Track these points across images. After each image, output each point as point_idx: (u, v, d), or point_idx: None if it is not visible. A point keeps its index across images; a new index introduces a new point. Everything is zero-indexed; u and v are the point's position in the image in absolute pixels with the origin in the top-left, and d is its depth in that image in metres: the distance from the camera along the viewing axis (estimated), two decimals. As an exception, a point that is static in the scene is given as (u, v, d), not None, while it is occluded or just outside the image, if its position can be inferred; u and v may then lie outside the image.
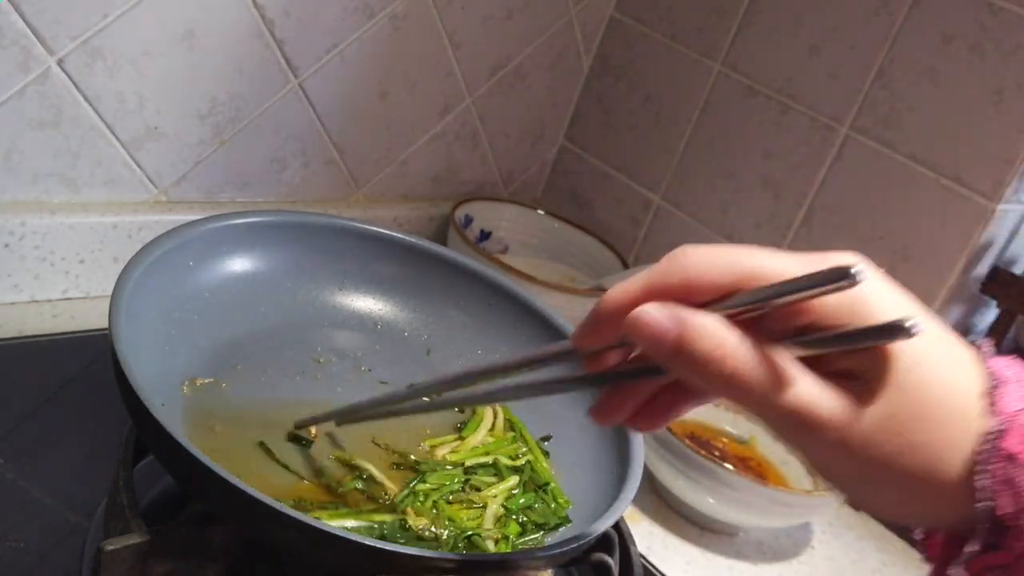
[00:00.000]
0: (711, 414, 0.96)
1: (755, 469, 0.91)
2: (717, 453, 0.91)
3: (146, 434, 0.51)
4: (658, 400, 0.43)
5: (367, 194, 1.06)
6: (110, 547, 0.46)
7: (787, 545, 0.91)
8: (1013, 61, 0.87)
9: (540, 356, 0.46)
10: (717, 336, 0.35)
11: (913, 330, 0.33)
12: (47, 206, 0.82)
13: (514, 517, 0.60)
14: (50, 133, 0.79)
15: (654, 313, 0.36)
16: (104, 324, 0.53)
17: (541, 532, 0.60)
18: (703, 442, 0.93)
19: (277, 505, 0.46)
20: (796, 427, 0.36)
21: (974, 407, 0.36)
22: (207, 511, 0.50)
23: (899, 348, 0.35)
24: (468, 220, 1.12)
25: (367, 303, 0.74)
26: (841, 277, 0.34)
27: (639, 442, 0.63)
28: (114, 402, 0.51)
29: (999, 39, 0.88)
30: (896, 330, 0.34)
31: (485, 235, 1.14)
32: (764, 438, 0.95)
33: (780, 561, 0.89)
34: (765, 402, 0.35)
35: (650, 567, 0.81)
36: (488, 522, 0.59)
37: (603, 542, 0.57)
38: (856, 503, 0.39)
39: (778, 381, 0.35)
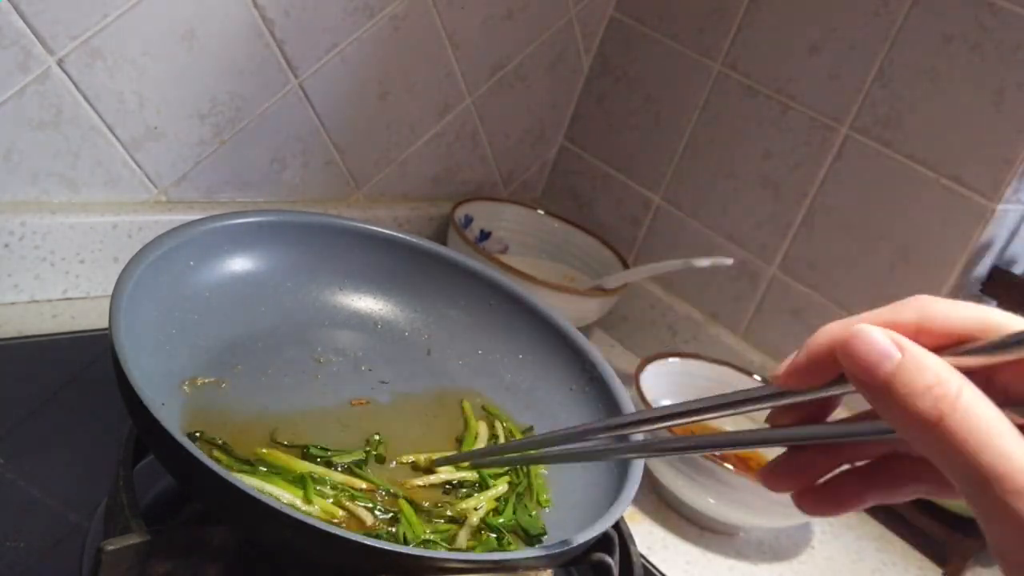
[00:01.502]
0: (711, 414, 0.96)
1: (755, 469, 0.91)
2: (717, 453, 0.91)
3: (146, 434, 0.51)
4: (837, 482, 0.38)
5: (367, 194, 1.06)
6: (110, 547, 0.46)
7: (787, 545, 0.91)
8: (1013, 61, 0.87)
9: (735, 401, 0.39)
10: (940, 373, 0.31)
11: None
12: (47, 206, 0.82)
13: (489, 533, 0.59)
14: (50, 133, 0.79)
15: (877, 334, 0.32)
16: (104, 324, 0.53)
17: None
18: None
19: (277, 505, 0.46)
20: (1005, 494, 0.30)
21: None
22: (207, 511, 0.50)
23: None
24: (468, 220, 1.12)
25: (367, 303, 0.74)
26: None
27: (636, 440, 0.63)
28: (114, 402, 0.51)
29: (999, 39, 0.88)
30: None
31: (485, 235, 1.14)
32: (764, 438, 0.95)
33: (780, 561, 0.89)
34: (972, 459, 0.30)
35: (650, 567, 0.81)
36: (462, 538, 0.57)
37: (603, 542, 0.57)
38: None
39: (995, 437, 0.30)
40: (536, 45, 1.12)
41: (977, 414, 0.31)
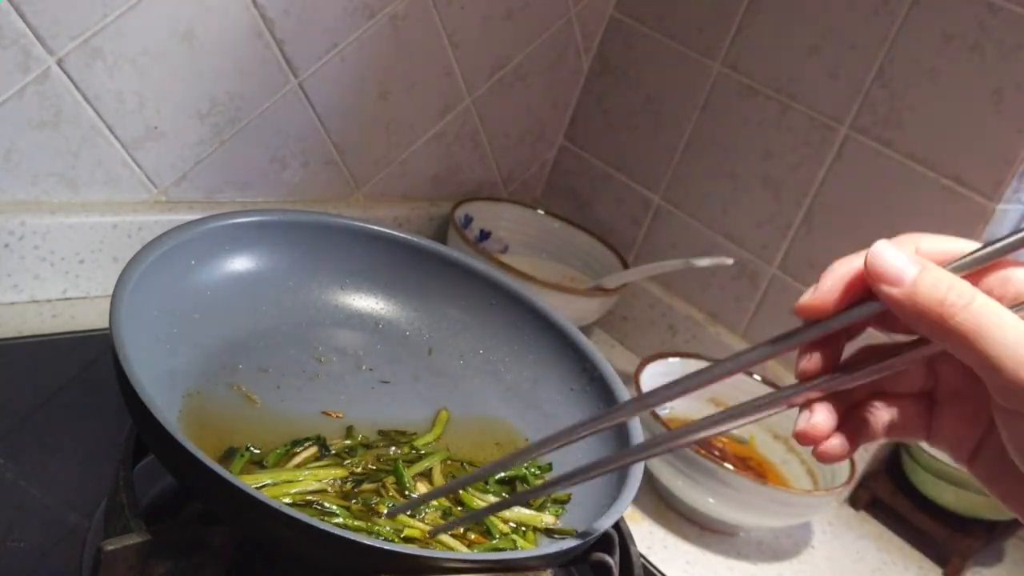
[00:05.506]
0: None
1: (755, 469, 0.91)
2: (717, 453, 0.91)
3: (146, 434, 0.51)
4: (853, 416, 0.42)
5: (367, 194, 1.06)
6: (110, 547, 0.46)
7: (787, 545, 0.91)
8: (1013, 61, 0.87)
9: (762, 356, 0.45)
10: (952, 280, 0.36)
11: None
12: (47, 206, 0.82)
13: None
14: (50, 133, 0.79)
15: (895, 250, 0.38)
16: (104, 324, 0.53)
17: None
18: (703, 442, 0.93)
19: (277, 505, 0.46)
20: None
21: None
22: (207, 511, 0.50)
23: None
24: (468, 220, 1.12)
25: (368, 302, 0.74)
26: None
27: (638, 442, 0.63)
28: (114, 402, 0.51)
29: (999, 39, 0.88)
30: None
31: (485, 235, 1.14)
32: (764, 438, 0.95)
33: (780, 561, 0.89)
34: (993, 353, 0.35)
35: (650, 567, 0.81)
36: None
37: (603, 542, 0.57)
38: None
39: (1009, 325, 0.35)
40: (536, 45, 1.12)
41: (990, 303, 0.36)
